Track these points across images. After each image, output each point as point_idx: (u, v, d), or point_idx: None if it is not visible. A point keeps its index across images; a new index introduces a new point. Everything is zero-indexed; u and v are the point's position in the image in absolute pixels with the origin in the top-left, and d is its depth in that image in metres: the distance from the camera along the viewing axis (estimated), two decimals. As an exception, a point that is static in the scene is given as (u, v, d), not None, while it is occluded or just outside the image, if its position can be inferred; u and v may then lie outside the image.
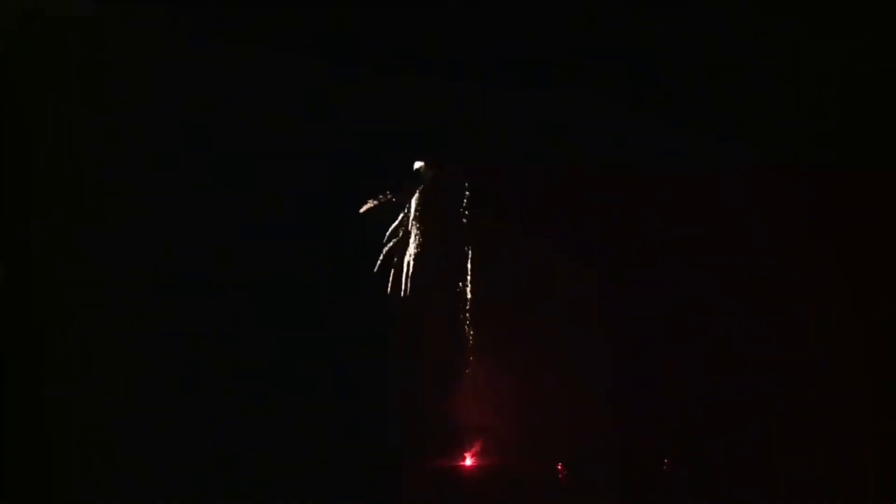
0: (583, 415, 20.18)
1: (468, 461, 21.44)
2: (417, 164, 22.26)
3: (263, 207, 20.99)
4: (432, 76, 21.05)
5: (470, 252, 21.91)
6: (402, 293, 21.82)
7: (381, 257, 22.04)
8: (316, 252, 21.22)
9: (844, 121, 19.78)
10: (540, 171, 21.20)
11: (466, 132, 21.60)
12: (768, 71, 20.52)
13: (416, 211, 22.26)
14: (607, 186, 20.83)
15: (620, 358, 20.46)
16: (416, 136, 21.86)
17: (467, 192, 21.92)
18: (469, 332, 21.72)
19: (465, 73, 21.15)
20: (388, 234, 22.26)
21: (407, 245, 22.17)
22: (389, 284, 21.98)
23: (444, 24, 21.01)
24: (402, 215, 22.34)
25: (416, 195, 22.26)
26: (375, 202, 22.13)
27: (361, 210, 22.04)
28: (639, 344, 20.49)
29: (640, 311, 20.64)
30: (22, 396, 19.01)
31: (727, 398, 20.01)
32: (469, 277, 21.83)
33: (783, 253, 20.34)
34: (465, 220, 21.96)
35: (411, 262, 22.04)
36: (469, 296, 21.77)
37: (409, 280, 21.92)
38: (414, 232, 22.20)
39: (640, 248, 20.94)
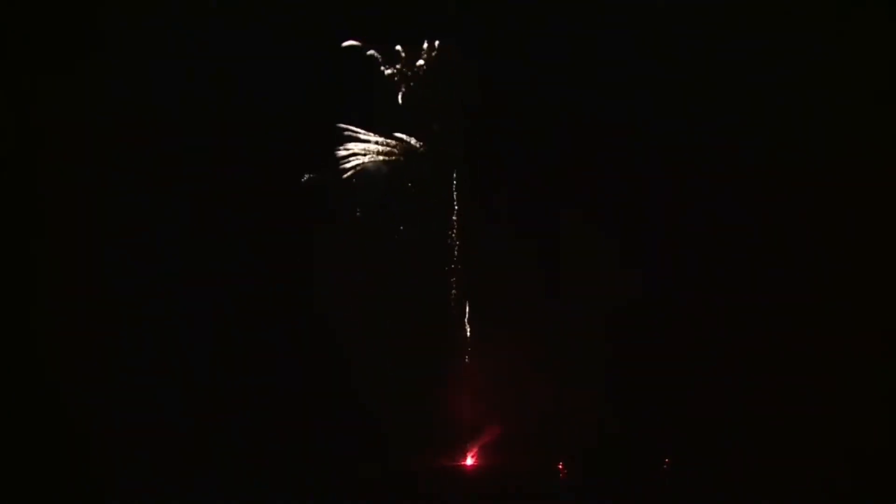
0: (583, 414, 20.26)
1: (468, 461, 21.48)
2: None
3: (262, 206, 21.18)
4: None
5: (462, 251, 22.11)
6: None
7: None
8: (314, 251, 21.36)
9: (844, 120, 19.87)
10: (536, 167, 21.37)
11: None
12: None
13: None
14: (606, 181, 20.95)
15: (620, 357, 20.50)
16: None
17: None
18: (467, 330, 21.85)
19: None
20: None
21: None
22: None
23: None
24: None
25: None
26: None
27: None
28: (639, 343, 20.53)
29: (640, 308, 20.68)
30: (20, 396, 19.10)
31: (727, 398, 20.04)
32: (463, 273, 22.00)
33: (783, 252, 20.41)
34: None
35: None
36: (465, 293, 21.94)
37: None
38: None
39: (639, 246, 21.00)
